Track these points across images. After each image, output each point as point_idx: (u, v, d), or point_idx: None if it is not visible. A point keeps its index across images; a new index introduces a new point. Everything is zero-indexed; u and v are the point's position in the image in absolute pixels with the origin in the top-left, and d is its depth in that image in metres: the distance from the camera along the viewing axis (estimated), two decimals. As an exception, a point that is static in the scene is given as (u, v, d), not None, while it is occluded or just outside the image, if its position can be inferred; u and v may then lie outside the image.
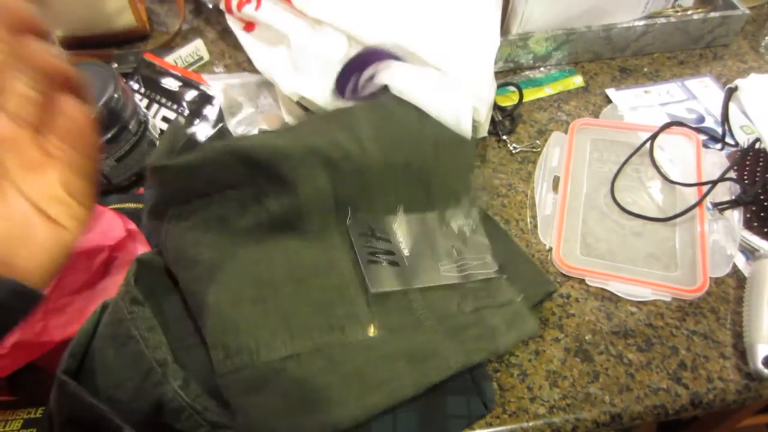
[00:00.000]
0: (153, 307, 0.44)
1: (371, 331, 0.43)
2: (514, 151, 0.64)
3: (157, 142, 0.59)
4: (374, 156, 0.47)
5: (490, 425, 0.44)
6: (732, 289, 0.52)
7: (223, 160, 0.45)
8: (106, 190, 0.58)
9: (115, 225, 0.50)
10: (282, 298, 0.43)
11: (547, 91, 0.71)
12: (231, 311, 0.42)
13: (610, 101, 0.70)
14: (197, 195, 0.46)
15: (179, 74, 0.65)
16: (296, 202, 0.45)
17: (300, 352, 0.41)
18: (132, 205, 0.56)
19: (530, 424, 0.44)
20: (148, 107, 0.64)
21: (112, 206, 0.55)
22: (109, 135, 0.55)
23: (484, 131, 0.61)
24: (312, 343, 0.42)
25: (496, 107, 0.67)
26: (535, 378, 0.46)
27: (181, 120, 0.50)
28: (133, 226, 0.52)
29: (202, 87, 0.65)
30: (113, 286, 0.49)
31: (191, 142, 0.52)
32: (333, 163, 0.46)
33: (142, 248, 0.51)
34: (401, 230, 0.49)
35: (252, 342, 0.41)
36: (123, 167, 0.57)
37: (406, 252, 0.48)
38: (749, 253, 0.54)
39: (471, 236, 0.52)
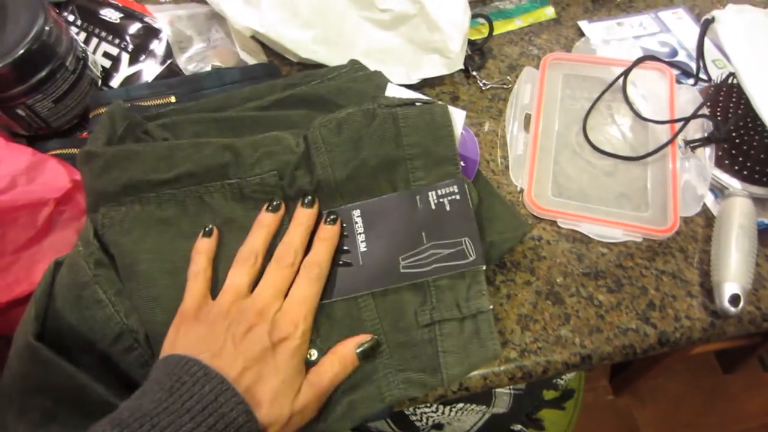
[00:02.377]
0: (114, 268, 0.42)
1: (312, 356, 0.39)
2: (484, 88, 0.62)
3: (103, 129, 0.47)
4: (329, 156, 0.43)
5: (462, 370, 0.44)
6: (700, 228, 0.52)
7: (162, 154, 0.42)
8: (45, 134, 0.54)
9: (59, 175, 0.46)
10: None
11: (517, 23, 0.68)
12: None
13: (582, 34, 0.67)
14: (128, 192, 0.43)
15: (119, 4, 0.59)
16: (243, 197, 0.43)
17: None
18: (75, 151, 0.52)
19: (502, 368, 0.44)
20: (86, 42, 0.58)
21: (52, 152, 0.51)
22: (43, 73, 0.49)
23: (459, 63, 0.57)
24: None
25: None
26: (506, 322, 0.46)
27: (122, 104, 0.45)
28: (79, 175, 0.48)
29: (146, 19, 0.58)
30: (62, 241, 0.45)
31: (133, 124, 0.46)
32: (283, 159, 0.43)
33: (90, 200, 0.47)
34: (362, 220, 0.43)
35: None
36: (62, 108, 0.52)
37: (362, 247, 0.42)
38: (718, 191, 0.54)
39: (451, 212, 0.43)
